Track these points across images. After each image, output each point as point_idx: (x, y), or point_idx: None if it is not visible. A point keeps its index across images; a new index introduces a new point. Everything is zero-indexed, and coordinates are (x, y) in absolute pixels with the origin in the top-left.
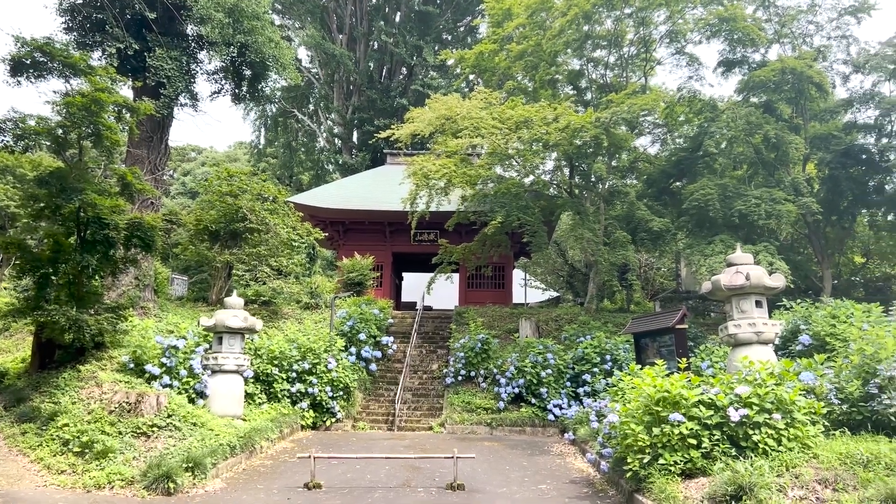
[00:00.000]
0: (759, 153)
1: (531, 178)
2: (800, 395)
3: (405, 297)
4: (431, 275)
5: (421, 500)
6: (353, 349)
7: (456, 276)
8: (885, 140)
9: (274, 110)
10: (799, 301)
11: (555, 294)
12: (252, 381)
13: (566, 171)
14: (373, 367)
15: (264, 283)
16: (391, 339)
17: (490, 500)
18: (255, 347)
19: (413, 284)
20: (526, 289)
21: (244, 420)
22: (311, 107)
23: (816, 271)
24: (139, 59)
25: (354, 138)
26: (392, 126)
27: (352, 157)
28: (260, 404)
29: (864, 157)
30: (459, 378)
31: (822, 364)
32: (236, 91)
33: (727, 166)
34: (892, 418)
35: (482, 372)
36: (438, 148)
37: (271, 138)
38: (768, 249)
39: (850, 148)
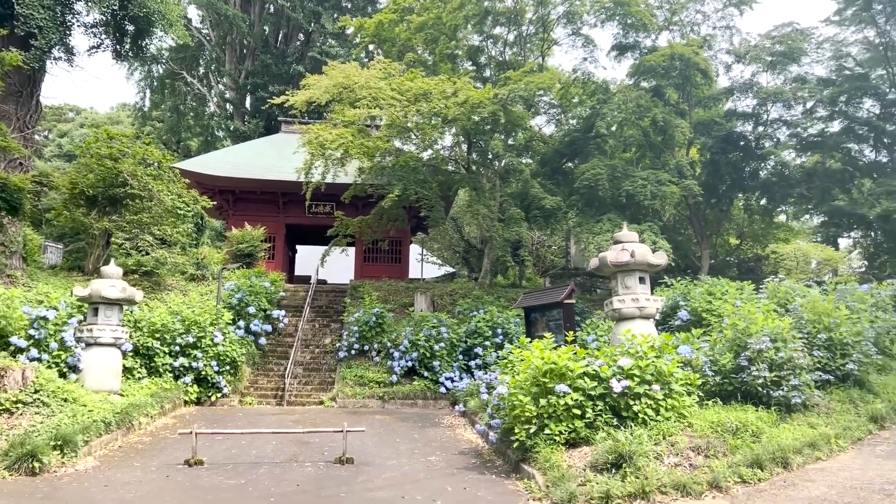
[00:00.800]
0: (648, 136)
1: (430, 152)
2: (677, 367)
3: (299, 271)
4: (326, 248)
5: (308, 475)
6: (241, 323)
7: (352, 249)
8: (761, 128)
9: (161, 71)
10: (679, 279)
11: (451, 270)
12: (131, 354)
13: (464, 147)
14: (262, 341)
15: (147, 253)
16: (282, 312)
17: (379, 472)
18: (135, 320)
19: (308, 258)
20: (423, 264)
21: (122, 395)
22: (202, 69)
23: (696, 251)
24: (6, 4)
25: (248, 104)
26: (287, 92)
27: (244, 123)
28: (140, 379)
29: (742, 143)
30: (353, 352)
31: (698, 338)
32: (118, 47)
33: (617, 148)
34: (760, 389)
35: (376, 346)
36: (335, 117)
37: (157, 101)
38: (652, 229)
39: (730, 134)
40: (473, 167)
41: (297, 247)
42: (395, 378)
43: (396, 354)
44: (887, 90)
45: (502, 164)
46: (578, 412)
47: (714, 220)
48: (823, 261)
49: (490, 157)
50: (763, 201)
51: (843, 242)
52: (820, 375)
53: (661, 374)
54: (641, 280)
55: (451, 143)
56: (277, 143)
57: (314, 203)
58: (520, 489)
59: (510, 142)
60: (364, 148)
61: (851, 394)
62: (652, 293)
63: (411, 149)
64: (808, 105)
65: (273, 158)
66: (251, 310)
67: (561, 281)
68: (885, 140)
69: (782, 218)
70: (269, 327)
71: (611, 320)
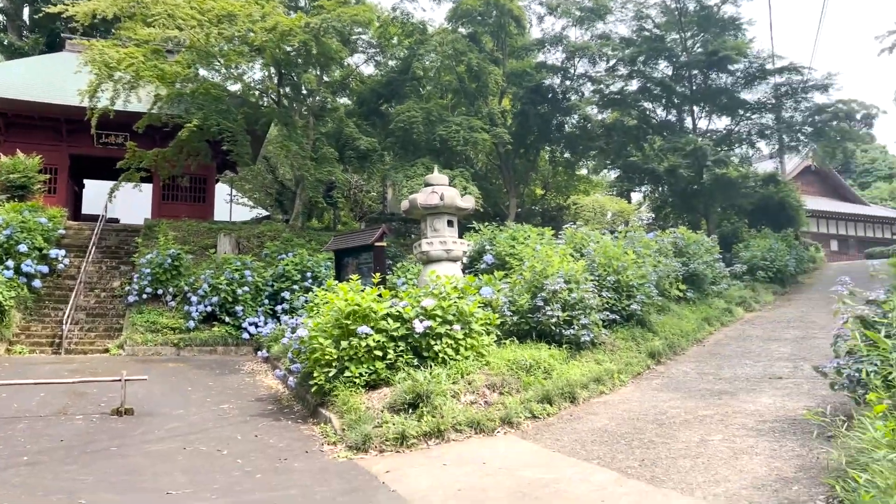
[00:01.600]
0: (463, 83)
1: (239, 85)
2: (478, 307)
3: (88, 208)
4: (116, 182)
5: (78, 429)
6: (10, 262)
7: (149, 186)
8: (568, 82)
9: None
10: (487, 224)
11: (265, 213)
12: None
13: (275, 79)
14: (37, 283)
15: None
16: (63, 252)
17: (162, 423)
18: None
19: (100, 194)
20: (231, 205)
21: None
22: None
23: (504, 200)
24: None
25: (25, 16)
26: (66, 2)
27: (21, 38)
28: None
29: (550, 96)
30: (145, 296)
31: (500, 280)
32: None
33: (434, 94)
34: (553, 328)
35: (171, 290)
36: (124, 34)
37: None
38: (464, 175)
39: (540, 86)
40: (285, 102)
41: (86, 181)
42: (192, 324)
43: (194, 299)
44: (680, 53)
45: (316, 101)
46: (380, 354)
47: (522, 170)
48: (618, 212)
49: (304, 92)
50: (567, 154)
51: (636, 197)
52: (608, 315)
53: (462, 315)
54: (450, 223)
55: (261, 76)
56: (61, 62)
57: (104, 133)
58: (315, 434)
59: (325, 78)
60: (159, 72)
61: (634, 332)
62: (461, 237)
63: (218, 79)
64: (611, 63)
65: (56, 80)
66: (23, 248)
67: (377, 226)
68: (675, 100)
69: (584, 171)
70: (45, 268)
71: (421, 263)
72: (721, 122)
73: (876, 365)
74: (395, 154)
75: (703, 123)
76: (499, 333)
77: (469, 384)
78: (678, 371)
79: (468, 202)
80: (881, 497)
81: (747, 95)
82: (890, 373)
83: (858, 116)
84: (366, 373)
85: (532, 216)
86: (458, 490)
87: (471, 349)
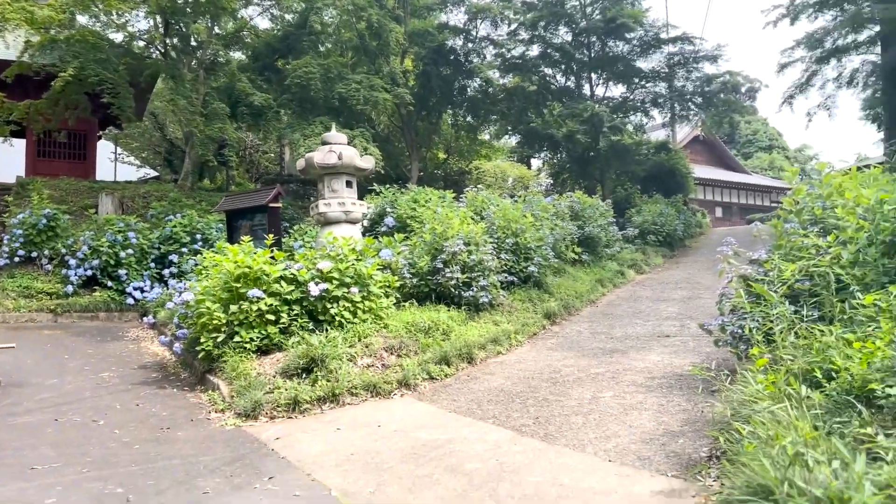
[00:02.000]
0: (363, 40)
1: (122, 35)
2: (377, 270)
3: None
4: None
5: None
6: None
7: (22, 141)
8: (470, 45)
9: None
10: (388, 187)
11: (154, 173)
12: None
13: (162, 30)
14: None
15: None
16: None
17: (34, 393)
18: None
19: None
20: (116, 164)
21: None
22: None
23: (407, 163)
24: None
25: None
26: None
27: None
28: None
29: (452, 58)
30: (17, 259)
31: (400, 242)
32: None
33: (334, 51)
34: (453, 290)
35: (47, 252)
36: None
37: None
38: (364, 135)
39: (442, 47)
40: (173, 54)
41: None
42: (71, 289)
43: (73, 262)
44: (579, 20)
45: (207, 55)
46: (273, 318)
47: (425, 132)
48: (518, 178)
49: (193, 44)
50: (469, 118)
51: (535, 163)
52: (506, 277)
53: (360, 277)
54: (349, 184)
55: (147, 26)
56: None
57: None
58: (202, 401)
59: (217, 30)
60: (28, 15)
61: (531, 294)
62: (361, 199)
63: (98, 27)
64: (513, 27)
65: None
66: None
67: (272, 186)
68: (574, 67)
69: (486, 137)
70: None
71: (318, 225)
72: (617, 90)
73: (758, 321)
74: (292, 112)
75: (600, 91)
76: (398, 296)
77: (366, 347)
78: (572, 331)
79: (368, 162)
80: (762, 447)
81: (643, 64)
82: (771, 328)
83: (743, 89)
84: (257, 338)
85: (434, 180)
86: (351, 454)
87: (369, 312)
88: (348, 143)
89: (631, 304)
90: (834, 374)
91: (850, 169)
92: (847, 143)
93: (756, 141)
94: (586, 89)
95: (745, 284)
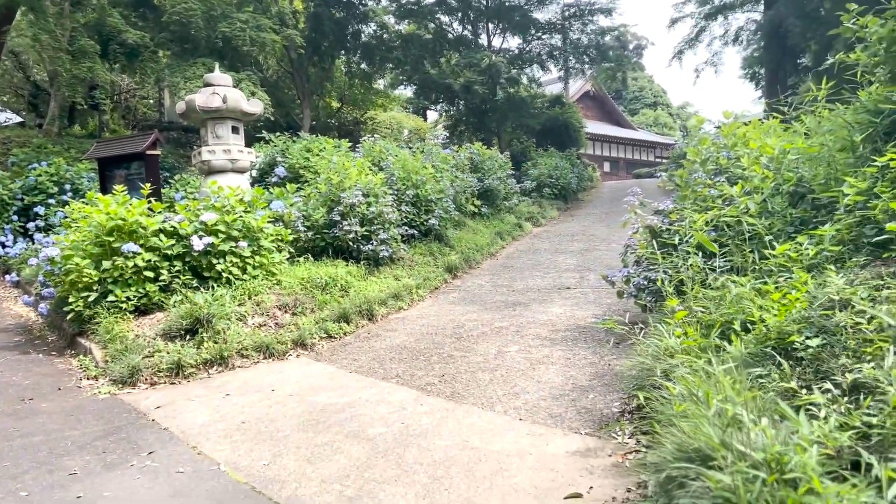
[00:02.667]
0: None
1: None
2: (268, 222)
3: None
4: None
5: None
6: None
7: None
8: None
9: None
10: (279, 135)
11: (17, 119)
12: None
13: None
14: None
15: None
16: None
17: None
18: None
19: None
20: None
21: None
22: None
23: (298, 111)
24: None
25: None
26: None
27: None
28: None
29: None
30: None
31: (293, 193)
32: None
33: None
34: (351, 243)
35: None
36: None
37: None
38: (251, 79)
39: None
40: None
41: None
42: None
43: None
44: None
45: None
46: (152, 275)
47: (317, 79)
48: (414, 130)
49: None
50: (364, 65)
51: (432, 116)
52: (407, 230)
53: (249, 230)
54: (235, 130)
55: None
56: None
57: None
58: (72, 367)
59: None
60: None
61: (432, 247)
62: (249, 148)
63: None
64: None
65: None
66: None
67: (150, 132)
68: (471, 15)
69: (382, 86)
70: None
71: (201, 174)
72: (514, 42)
73: (668, 273)
74: (171, 53)
75: (497, 42)
76: (292, 251)
77: (258, 306)
78: (474, 284)
79: (255, 107)
80: (694, 408)
81: (539, 15)
82: (682, 280)
83: (631, 46)
84: (134, 297)
85: (328, 130)
86: (242, 423)
87: (259, 268)
88: (234, 87)
89: (530, 257)
90: (749, 327)
91: (748, 122)
92: (727, 101)
93: (642, 98)
94: (483, 39)
95: (650, 235)
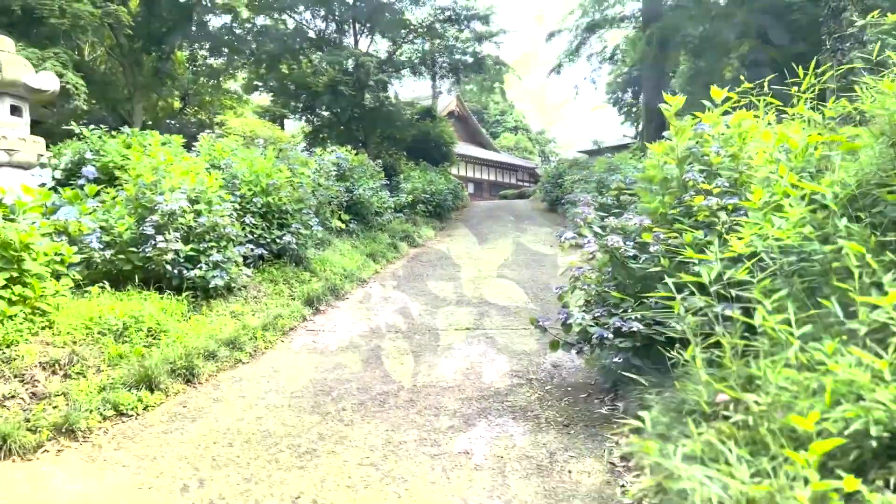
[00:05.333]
0: None
1: None
2: (46, 235)
3: None
4: None
5: None
6: None
7: None
8: None
9: None
10: (93, 128)
11: None
12: None
13: None
14: None
15: None
16: None
17: None
18: None
19: None
20: None
21: None
22: None
23: (129, 108)
24: None
25: None
26: None
27: None
28: None
29: None
30: None
31: (93, 197)
32: None
33: None
34: (169, 267)
35: None
36: None
37: None
38: (60, 58)
39: None
40: None
41: None
42: None
43: None
44: None
45: None
46: None
47: (153, 72)
48: (270, 139)
49: None
50: (211, 60)
51: (291, 126)
52: (252, 249)
53: (5, 246)
54: (15, 110)
55: None
56: None
57: None
58: None
59: None
60: None
61: (287, 272)
62: (48, 142)
63: None
64: None
65: None
66: None
67: None
68: (335, 11)
69: (234, 88)
70: None
71: None
72: (385, 45)
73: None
74: None
75: (364, 43)
76: (79, 277)
77: (7, 363)
78: (343, 322)
79: (48, 82)
80: None
81: (411, 16)
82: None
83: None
84: None
85: (167, 132)
86: None
87: (20, 303)
88: (14, 49)
89: (412, 285)
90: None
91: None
92: (587, 130)
93: (504, 122)
94: (349, 40)
95: (611, 263)
